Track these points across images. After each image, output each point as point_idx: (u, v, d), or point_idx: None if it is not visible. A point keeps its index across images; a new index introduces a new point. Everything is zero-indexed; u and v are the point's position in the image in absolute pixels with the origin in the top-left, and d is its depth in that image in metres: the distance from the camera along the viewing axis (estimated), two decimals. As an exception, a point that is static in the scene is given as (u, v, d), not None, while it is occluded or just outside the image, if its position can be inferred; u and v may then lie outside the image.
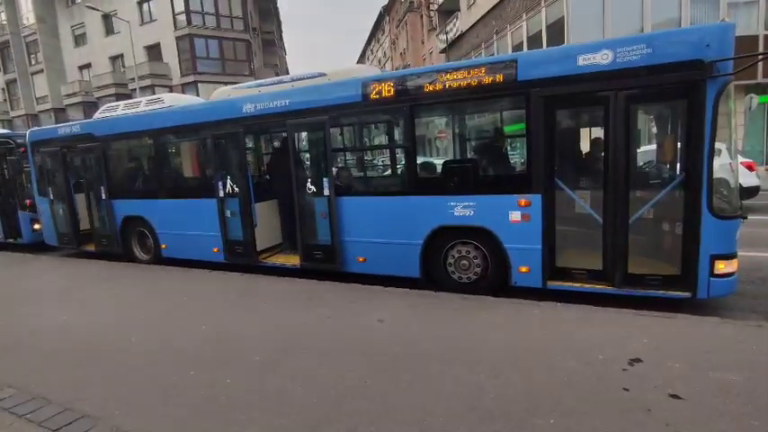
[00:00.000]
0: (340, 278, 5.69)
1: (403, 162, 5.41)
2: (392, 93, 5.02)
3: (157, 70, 25.82)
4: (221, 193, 6.38)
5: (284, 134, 6.40)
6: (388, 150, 7.11)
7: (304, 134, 6.05)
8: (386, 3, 41.90)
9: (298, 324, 4.25)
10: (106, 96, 25.11)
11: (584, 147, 5.06)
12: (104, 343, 4.06)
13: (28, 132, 8.82)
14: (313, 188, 5.70)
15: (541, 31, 15.79)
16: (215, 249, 6.69)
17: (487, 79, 4.50)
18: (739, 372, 2.87)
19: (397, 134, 5.82)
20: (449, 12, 25.29)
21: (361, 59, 64.57)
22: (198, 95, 20.42)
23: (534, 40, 16.15)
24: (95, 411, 2.83)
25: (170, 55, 25.87)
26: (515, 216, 4.55)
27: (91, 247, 8.28)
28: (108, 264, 7.64)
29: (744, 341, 3.34)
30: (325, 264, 5.80)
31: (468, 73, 4.57)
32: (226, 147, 6.35)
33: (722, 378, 2.81)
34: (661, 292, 4.17)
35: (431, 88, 4.80)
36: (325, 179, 5.55)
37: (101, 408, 2.88)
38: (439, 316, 4.28)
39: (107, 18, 26.61)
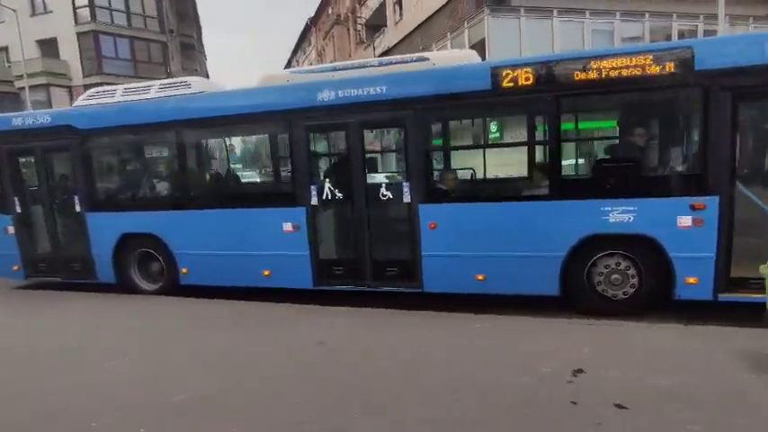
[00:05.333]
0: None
1: (543, 161, 4.82)
2: (532, 81, 4.38)
3: (54, 68, 22.95)
4: (315, 201, 5.14)
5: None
6: (523, 148, 5.55)
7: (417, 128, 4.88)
8: (312, 15, 41.60)
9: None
10: (-15, 94, 21.67)
11: None
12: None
13: None
14: (413, 194, 4.80)
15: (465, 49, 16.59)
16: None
17: (655, 68, 4.03)
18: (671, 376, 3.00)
19: (537, 129, 4.98)
20: (376, 27, 25.64)
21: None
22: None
23: (458, 59, 16.91)
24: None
25: (70, 52, 23.15)
26: (685, 221, 4.06)
27: (63, 276, 6.40)
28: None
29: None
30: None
31: (632, 60, 4.09)
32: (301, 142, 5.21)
33: (656, 384, 2.91)
34: None
35: (582, 77, 4.23)
36: (433, 183, 4.91)
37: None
38: (379, 335, 4.10)
39: (-13, 4, 23.19)
